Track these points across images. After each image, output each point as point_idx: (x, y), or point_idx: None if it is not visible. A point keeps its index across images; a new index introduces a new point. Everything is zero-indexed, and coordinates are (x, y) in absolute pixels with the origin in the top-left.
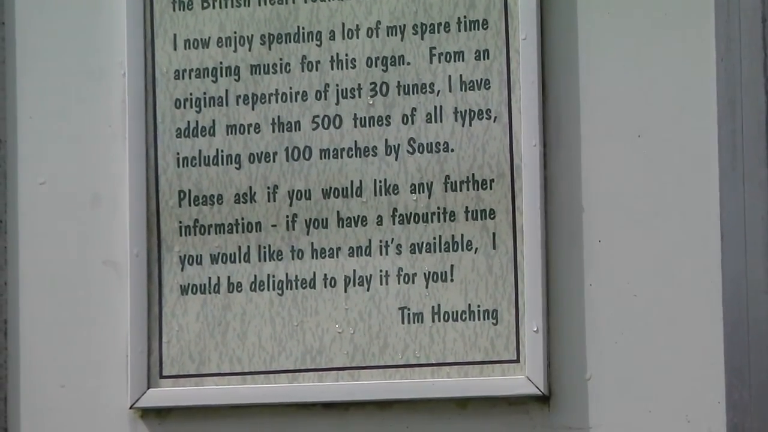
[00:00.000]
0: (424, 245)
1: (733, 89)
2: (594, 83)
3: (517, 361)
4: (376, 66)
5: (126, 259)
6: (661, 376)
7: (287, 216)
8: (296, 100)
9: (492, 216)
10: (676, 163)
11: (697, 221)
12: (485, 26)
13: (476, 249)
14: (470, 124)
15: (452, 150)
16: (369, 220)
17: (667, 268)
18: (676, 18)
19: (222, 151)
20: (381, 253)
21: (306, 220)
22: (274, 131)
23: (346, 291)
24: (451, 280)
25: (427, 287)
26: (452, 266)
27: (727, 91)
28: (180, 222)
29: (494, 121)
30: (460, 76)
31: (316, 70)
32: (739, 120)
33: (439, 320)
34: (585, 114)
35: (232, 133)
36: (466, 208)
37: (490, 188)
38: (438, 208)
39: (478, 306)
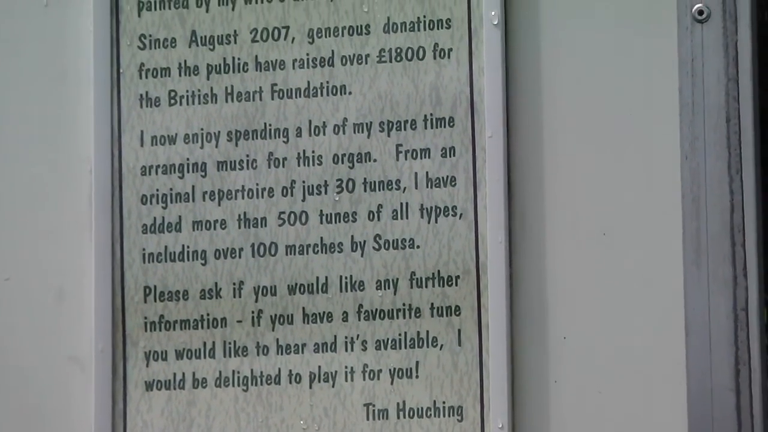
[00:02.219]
0: (390, 341)
1: (697, 187)
2: (559, 182)
3: None
4: (342, 163)
5: (90, 355)
6: None
7: (252, 312)
8: (262, 197)
9: (457, 313)
10: (641, 260)
11: (661, 318)
12: (451, 124)
13: (441, 345)
14: (436, 221)
15: (418, 246)
16: (334, 316)
17: (632, 364)
18: (641, 117)
19: (188, 247)
20: (346, 350)
21: (271, 316)
22: (240, 227)
23: (311, 387)
24: (417, 377)
25: (392, 383)
26: (417, 363)
27: (691, 190)
28: (145, 318)
29: (460, 218)
30: (426, 173)
31: (283, 166)
32: (704, 218)
33: (404, 417)
34: (550, 212)
35: (198, 229)
36: (432, 304)
37: (456, 285)
38: (403, 304)
39: (443, 402)
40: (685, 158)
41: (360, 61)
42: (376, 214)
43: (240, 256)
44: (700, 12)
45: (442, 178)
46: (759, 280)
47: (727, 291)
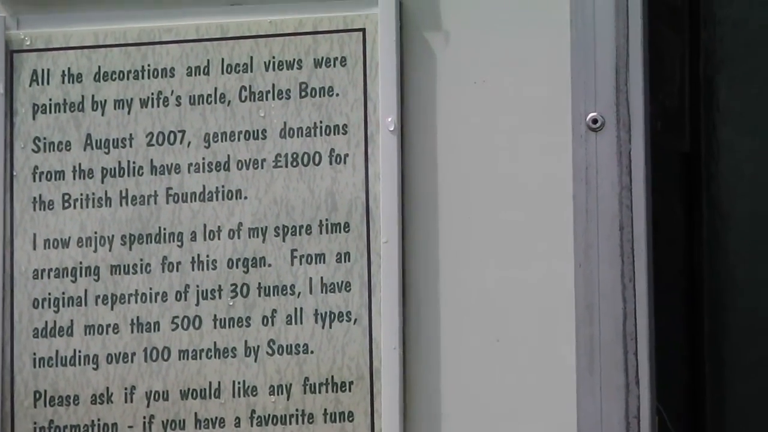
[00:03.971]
0: None
1: (591, 294)
2: (453, 287)
3: None
4: (237, 267)
5: None
6: None
7: (144, 417)
8: (156, 301)
9: (351, 419)
10: (534, 366)
11: (554, 424)
12: (347, 229)
13: None
14: (330, 327)
15: (312, 352)
16: (227, 422)
17: None
18: (535, 223)
19: (80, 351)
20: None
21: (163, 422)
22: (132, 332)
23: None
24: None
25: None
26: None
27: (585, 296)
28: (35, 423)
29: (354, 323)
30: (321, 278)
31: (177, 270)
32: (597, 325)
33: None
34: (444, 317)
35: (90, 334)
36: (325, 410)
37: (349, 390)
38: (297, 410)
39: None
40: (579, 266)
41: (256, 166)
42: (270, 319)
43: (132, 361)
44: (595, 121)
45: (337, 283)
46: (651, 388)
47: (619, 398)
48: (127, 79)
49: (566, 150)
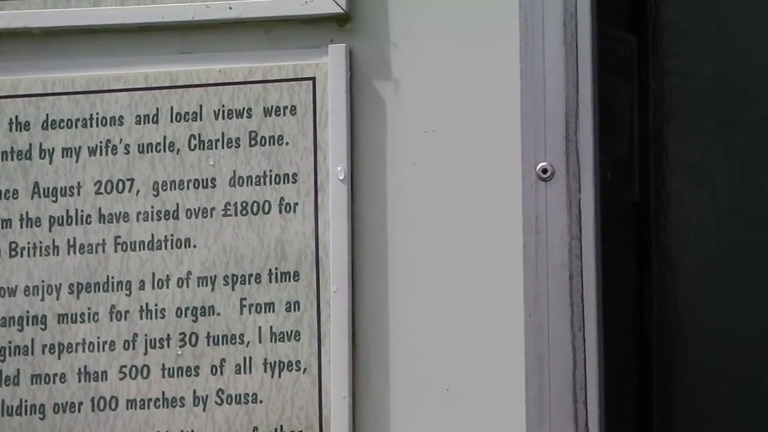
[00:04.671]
0: None
1: (540, 344)
2: (404, 336)
3: None
4: (185, 316)
5: None
6: None
7: None
8: (104, 350)
9: None
10: (484, 416)
11: None
12: (296, 278)
13: None
14: (279, 376)
15: (261, 401)
16: None
17: None
18: (485, 273)
19: (26, 401)
20: None
21: None
22: (80, 381)
23: None
24: None
25: None
26: None
27: (535, 347)
28: None
29: (304, 372)
30: (270, 327)
31: (125, 319)
32: (546, 375)
33: None
34: (394, 367)
35: (36, 383)
36: None
37: None
38: None
39: None
40: (528, 315)
41: (205, 215)
42: (219, 369)
43: (79, 411)
44: (545, 170)
45: (287, 332)
46: None
47: None
48: (76, 127)
49: (516, 199)
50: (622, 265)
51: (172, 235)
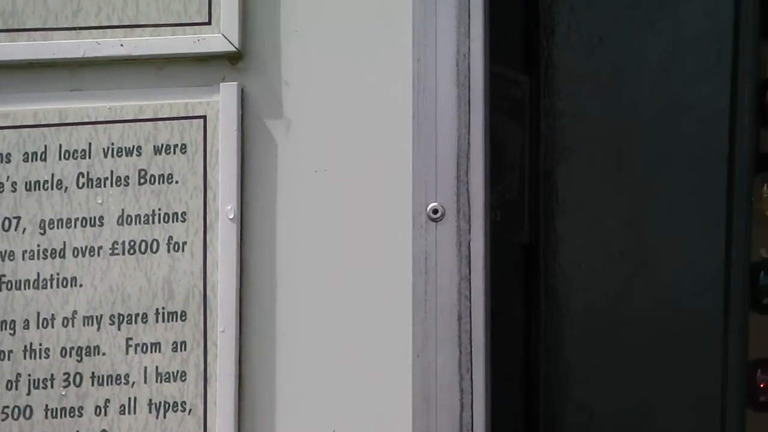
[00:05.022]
0: None
1: (428, 386)
2: (292, 376)
3: None
4: (70, 356)
5: None
6: None
7: None
8: None
9: None
10: None
11: None
12: (183, 318)
13: None
14: (164, 417)
15: None
16: None
17: None
18: (374, 314)
19: None
20: None
21: None
22: None
23: None
24: None
25: None
26: None
27: (422, 388)
28: None
29: (189, 413)
30: (156, 367)
31: (9, 359)
32: (434, 416)
33: None
34: (281, 408)
35: None
36: None
37: None
38: None
39: None
40: (416, 356)
41: (92, 254)
42: (103, 409)
43: None
44: (435, 211)
45: (172, 372)
46: None
47: None
48: None
49: (407, 240)
50: (511, 306)
51: (58, 273)
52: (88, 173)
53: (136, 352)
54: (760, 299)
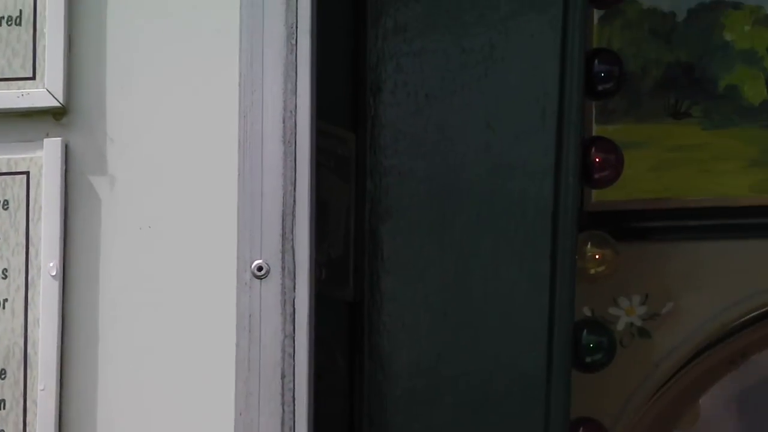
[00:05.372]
0: None
1: None
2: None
3: None
4: None
5: None
6: None
7: None
8: None
9: None
10: None
11: None
12: (3, 376)
13: None
14: None
15: None
16: None
17: None
18: (197, 372)
19: None
20: None
21: None
22: None
23: None
24: None
25: None
26: None
27: None
28: None
29: None
30: None
31: None
32: None
33: None
34: None
35: None
36: None
37: None
38: None
39: None
40: (239, 414)
41: None
42: None
43: None
44: (260, 268)
45: None
46: None
47: None
48: None
49: (231, 297)
50: (335, 364)
51: None
52: None
53: None
54: (582, 358)
